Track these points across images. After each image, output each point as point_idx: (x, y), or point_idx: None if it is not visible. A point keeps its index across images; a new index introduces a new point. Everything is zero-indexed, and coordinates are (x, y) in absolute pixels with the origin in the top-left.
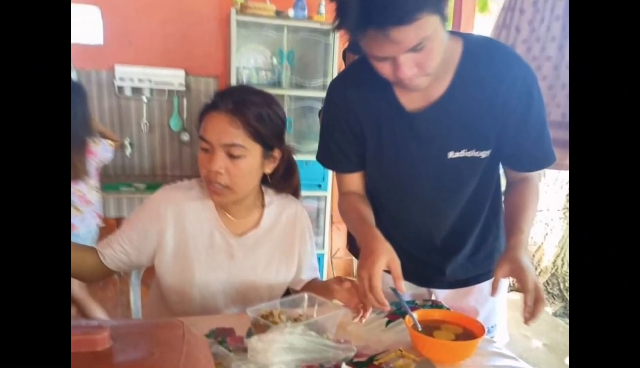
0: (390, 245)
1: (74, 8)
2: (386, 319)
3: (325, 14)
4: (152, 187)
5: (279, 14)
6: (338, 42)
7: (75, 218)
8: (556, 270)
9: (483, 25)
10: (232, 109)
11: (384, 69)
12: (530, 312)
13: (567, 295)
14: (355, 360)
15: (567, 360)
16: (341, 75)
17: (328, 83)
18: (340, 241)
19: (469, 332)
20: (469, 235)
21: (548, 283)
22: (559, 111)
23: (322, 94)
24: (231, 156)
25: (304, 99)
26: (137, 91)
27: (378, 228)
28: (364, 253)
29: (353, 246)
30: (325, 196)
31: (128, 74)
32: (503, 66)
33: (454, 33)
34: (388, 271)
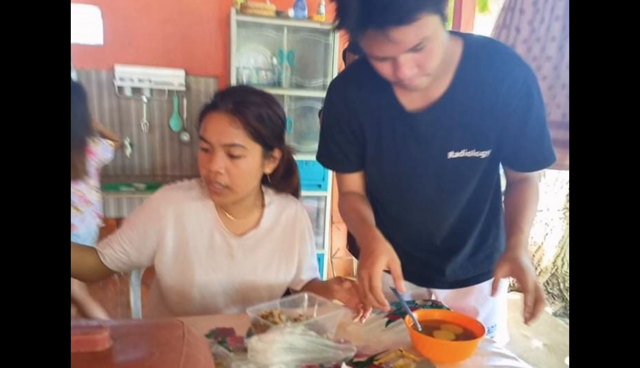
0: (390, 245)
1: (74, 8)
2: (386, 319)
3: (325, 14)
4: (152, 187)
5: (279, 14)
6: (338, 42)
7: (75, 218)
8: (556, 270)
9: (483, 25)
10: (232, 109)
11: (384, 69)
12: (530, 312)
13: (567, 295)
14: (355, 360)
15: (567, 360)
16: (341, 75)
17: (328, 83)
18: (340, 241)
19: (469, 332)
20: (469, 235)
21: (548, 283)
22: (559, 111)
23: (322, 94)
24: (231, 156)
25: (304, 99)
26: (137, 91)
27: (378, 228)
28: (364, 253)
29: (353, 246)
30: (325, 196)
31: (128, 74)
32: (503, 66)
33: (454, 33)
34: (388, 271)
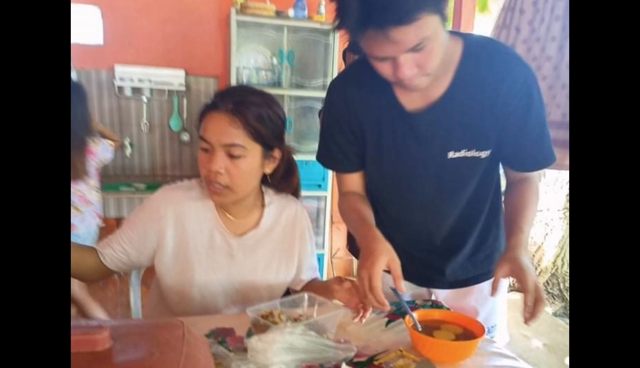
0: (390, 245)
1: (74, 8)
2: (386, 319)
3: (325, 14)
4: (152, 187)
5: (279, 14)
6: (338, 42)
7: (75, 218)
8: (556, 270)
9: (483, 25)
10: (232, 109)
11: (384, 69)
12: (530, 312)
13: (567, 295)
14: (355, 360)
15: (567, 360)
16: (341, 75)
17: (328, 83)
18: (340, 241)
19: (469, 332)
20: (469, 235)
21: (548, 283)
22: (559, 111)
23: (322, 94)
24: (231, 156)
25: (304, 99)
26: (137, 91)
27: (378, 228)
28: (364, 253)
29: (353, 246)
30: (325, 196)
31: (128, 74)
32: (503, 66)
33: (454, 33)
34: (388, 271)
